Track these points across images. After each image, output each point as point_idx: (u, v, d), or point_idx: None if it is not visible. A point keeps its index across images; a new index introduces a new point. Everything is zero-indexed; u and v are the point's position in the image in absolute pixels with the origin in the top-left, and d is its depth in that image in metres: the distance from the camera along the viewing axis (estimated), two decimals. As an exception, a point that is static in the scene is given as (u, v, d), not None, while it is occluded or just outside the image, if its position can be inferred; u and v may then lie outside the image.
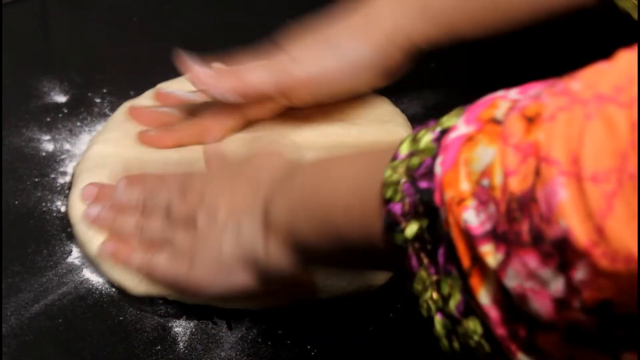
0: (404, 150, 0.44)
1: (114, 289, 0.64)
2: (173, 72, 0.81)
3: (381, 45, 0.68)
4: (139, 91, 0.80)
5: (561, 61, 0.86)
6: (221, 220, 0.57)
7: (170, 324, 0.62)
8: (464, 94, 0.84)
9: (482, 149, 0.39)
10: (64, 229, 0.68)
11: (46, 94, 0.81)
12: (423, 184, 0.41)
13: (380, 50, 0.69)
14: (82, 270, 0.66)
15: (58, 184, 0.72)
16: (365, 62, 0.68)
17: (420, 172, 0.42)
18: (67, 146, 0.76)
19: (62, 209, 0.70)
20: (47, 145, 0.76)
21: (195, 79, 0.68)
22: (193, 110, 0.74)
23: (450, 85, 0.84)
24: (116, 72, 0.84)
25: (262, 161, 0.59)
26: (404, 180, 0.43)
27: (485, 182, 0.38)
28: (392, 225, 0.43)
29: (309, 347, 0.61)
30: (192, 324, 0.62)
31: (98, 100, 0.80)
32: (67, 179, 0.73)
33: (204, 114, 0.72)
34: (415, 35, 0.69)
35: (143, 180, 0.65)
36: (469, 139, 0.40)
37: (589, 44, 0.78)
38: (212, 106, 0.72)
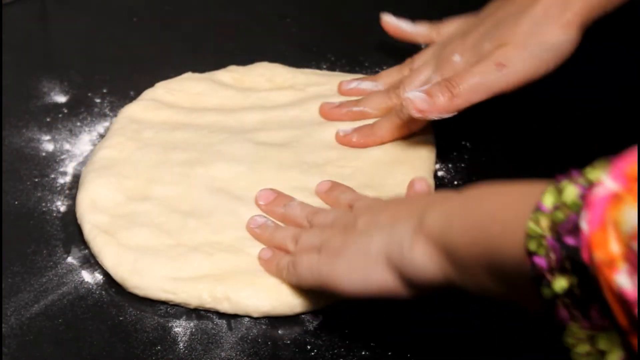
0: (548, 201, 0.43)
1: (113, 289, 0.64)
2: (173, 72, 0.82)
3: (580, 27, 0.67)
4: (139, 91, 0.80)
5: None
6: (380, 223, 0.56)
7: (170, 324, 0.62)
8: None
9: (630, 209, 0.39)
10: (64, 229, 0.68)
11: (46, 94, 0.81)
12: (569, 241, 0.41)
13: (578, 31, 0.68)
14: (82, 271, 0.66)
15: (58, 184, 0.72)
16: (566, 47, 0.68)
17: (566, 228, 0.41)
18: (67, 146, 0.76)
19: (62, 209, 0.70)
20: (47, 145, 0.76)
21: (410, 107, 0.68)
22: (383, 105, 0.75)
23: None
24: (116, 72, 0.84)
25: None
26: (548, 234, 0.42)
27: (634, 245, 0.38)
28: (538, 278, 0.42)
29: (308, 347, 0.61)
30: (192, 324, 0.62)
31: (98, 100, 0.81)
32: (67, 179, 0.73)
33: (397, 110, 0.73)
34: (609, 5, 0.68)
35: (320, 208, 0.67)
36: (616, 198, 0.40)
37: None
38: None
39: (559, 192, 0.43)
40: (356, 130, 0.74)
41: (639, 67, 0.79)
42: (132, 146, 0.73)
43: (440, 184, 0.73)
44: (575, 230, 0.41)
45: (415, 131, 0.74)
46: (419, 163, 0.73)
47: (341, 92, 0.79)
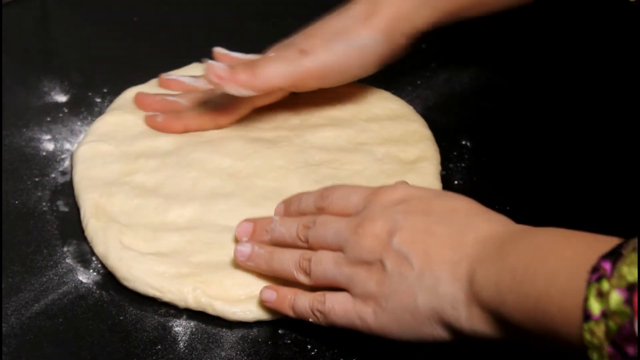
0: (595, 308, 0.43)
1: (113, 289, 0.64)
2: (173, 72, 0.82)
3: (386, 32, 0.71)
4: (139, 91, 0.80)
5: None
6: (417, 268, 0.54)
7: (170, 324, 0.62)
8: (465, 93, 0.85)
9: None
10: (64, 229, 0.68)
11: (46, 93, 0.81)
12: (630, 351, 0.41)
13: (385, 36, 0.72)
14: (82, 270, 0.65)
15: (58, 184, 0.72)
16: (371, 49, 0.72)
17: (622, 337, 0.42)
18: (67, 146, 0.76)
19: (62, 208, 0.70)
20: (48, 144, 0.76)
21: (211, 72, 0.69)
22: (198, 98, 0.76)
23: (450, 85, 0.84)
24: (116, 72, 0.84)
25: (465, 216, 0.56)
26: (606, 344, 0.42)
27: None
28: None
29: (309, 347, 0.61)
30: (192, 324, 0.62)
31: (98, 100, 0.81)
32: (68, 178, 0.73)
33: (211, 102, 0.75)
34: (418, 21, 0.73)
35: (300, 207, 0.63)
36: None
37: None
38: (220, 94, 0.74)
39: (602, 296, 0.43)
40: (164, 113, 0.75)
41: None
42: (132, 120, 0.76)
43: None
44: (632, 339, 0.41)
45: (221, 126, 0.75)
46: (424, 165, 0.73)
47: (160, 83, 0.79)
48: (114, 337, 0.61)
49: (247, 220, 0.64)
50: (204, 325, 0.62)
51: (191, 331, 0.62)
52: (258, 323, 0.62)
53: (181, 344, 0.61)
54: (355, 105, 0.79)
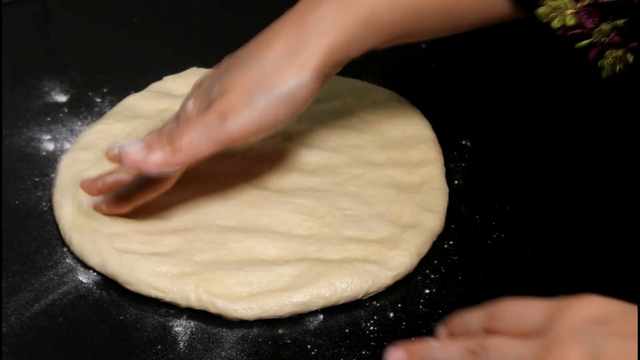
0: None
1: (114, 289, 0.64)
2: (172, 72, 0.82)
3: (319, 70, 0.62)
4: (138, 91, 0.80)
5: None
6: None
7: (170, 324, 0.62)
8: (464, 93, 0.85)
9: None
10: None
11: (46, 93, 0.81)
12: None
13: (318, 75, 0.62)
14: (82, 270, 0.65)
15: (58, 184, 0.72)
16: (300, 91, 0.62)
17: None
18: (67, 146, 0.76)
19: (62, 208, 0.70)
20: (48, 144, 0.76)
21: (126, 159, 0.61)
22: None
23: (450, 85, 0.84)
24: (116, 72, 0.84)
25: None
26: None
27: None
28: None
29: (309, 346, 0.61)
30: (192, 324, 0.62)
31: (98, 100, 0.81)
32: (68, 178, 0.73)
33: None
34: (354, 50, 0.64)
35: (465, 328, 0.50)
36: None
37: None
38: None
39: None
40: (105, 198, 0.67)
41: None
42: (119, 128, 0.75)
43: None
44: None
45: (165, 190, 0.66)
46: (429, 168, 0.73)
47: (107, 158, 0.66)
48: (114, 337, 0.61)
49: (397, 347, 0.50)
50: (204, 325, 0.62)
51: (191, 331, 0.62)
52: (258, 323, 0.62)
53: (181, 344, 0.61)
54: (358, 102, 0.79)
